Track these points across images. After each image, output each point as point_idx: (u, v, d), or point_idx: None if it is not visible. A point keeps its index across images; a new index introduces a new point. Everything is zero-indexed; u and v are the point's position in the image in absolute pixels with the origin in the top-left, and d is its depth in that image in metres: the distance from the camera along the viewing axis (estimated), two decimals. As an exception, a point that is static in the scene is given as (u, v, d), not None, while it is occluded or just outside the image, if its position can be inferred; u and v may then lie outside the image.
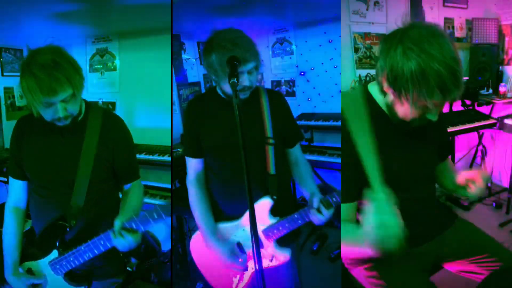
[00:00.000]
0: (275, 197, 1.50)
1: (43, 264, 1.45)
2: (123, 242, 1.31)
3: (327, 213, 1.40)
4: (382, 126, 1.32)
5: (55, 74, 1.22)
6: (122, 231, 1.30)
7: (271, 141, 1.51)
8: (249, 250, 1.52)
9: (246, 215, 1.45)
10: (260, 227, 1.48)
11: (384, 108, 1.33)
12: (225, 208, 1.61)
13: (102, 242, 1.36)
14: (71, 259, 1.41)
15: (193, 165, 1.63)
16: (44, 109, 1.30)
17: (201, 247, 1.62)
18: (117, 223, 1.31)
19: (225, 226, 1.58)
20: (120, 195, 1.64)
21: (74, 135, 1.44)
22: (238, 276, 1.57)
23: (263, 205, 1.50)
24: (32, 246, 1.50)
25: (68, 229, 1.44)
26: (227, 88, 1.46)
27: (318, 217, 1.40)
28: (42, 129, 1.43)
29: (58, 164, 1.44)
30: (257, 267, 1.20)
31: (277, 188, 1.52)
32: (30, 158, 1.46)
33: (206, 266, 1.66)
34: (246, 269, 1.53)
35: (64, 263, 1.42)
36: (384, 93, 1.26)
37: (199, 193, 1.61)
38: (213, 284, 1.65)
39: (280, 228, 1.48)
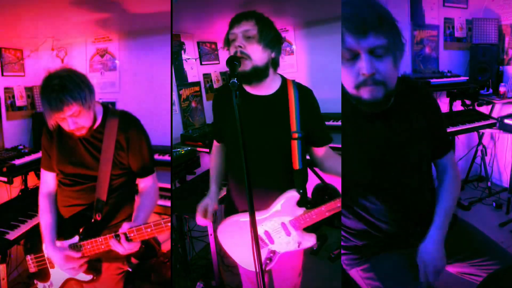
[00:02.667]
0: (301, 191, 1.52)
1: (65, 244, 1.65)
2: (121, 248, 1.52)
3: None
4: (353, 116, 1.37)
5: (61, 96, 1.46)
6: (122, 239, 1.50)
7: (298, 135, 1.51)
8: (276, 238, 1.57)
9: (274, 207, 1.54)
10: (287, 218, 1.53)
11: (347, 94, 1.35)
12: (239, 198, 1.64)
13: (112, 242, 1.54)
14: (89, 247, 1.59)
15: (215, 145, 1.81)
16: (60, 122, 1.55)
17: (228, 232, 1.66)
18: (123, 229, 1.51)
19: (246, 219, 1.56)
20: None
21: (93, 141, 1.66)
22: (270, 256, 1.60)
23: (290, 198, 1.53)
24: (61, 227, 1.71)
25: (93, 220, 1.64)
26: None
27: None
28: (65, 136, 1.67)
29: (80, 163, 1.66)
30: (257, 267, 1.20)
31: (303, 182, 1.55)
32: (57, 157, 1.69)
33: (234, 248, 1.68)
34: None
35: (83, 249, 1.60)
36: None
37: (216, 158, 1.80)
38: (242, 263, 1.67)
39: (308, 220, 1.51)
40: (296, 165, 1.52)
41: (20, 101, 3.15)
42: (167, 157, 2.81)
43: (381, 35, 1.13)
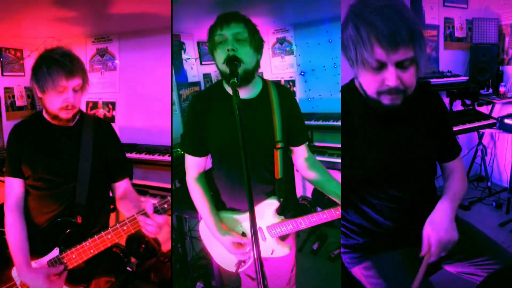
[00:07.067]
0: (281, 199, 1.54)
1: (43, 262, 1.46)
2: (151, 224, 1.33)
3: None
4: (365, 116, 1.36)
5: (74, 61, 1.47)
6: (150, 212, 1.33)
7: (280, 144, 1.51)
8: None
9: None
10: (265, 224, 1.55)
11: (364, 95, 1.35)
12: (230, 201, 1.62)
13: (109, 237, 1.41)
14: (74, 256, 1.43)
15: (196, 163, 1.61)
16: (57, 96, 1.46)
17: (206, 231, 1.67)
18: (149, 205, 1.32)
19: (231, 216, 1.60)
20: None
21: (71, 136, 1.58)
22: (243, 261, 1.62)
23: (270, 205, 1.55)
24: (35, 241, 1.50)
25: (73, 225, 1.49)
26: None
27: None
28: (41, 130, 1.57)
29: (58, 159, 1.55)
30: (256, 262, 1.20)
31: (284, 191, 1.55)
32: (30, 154, 1.55)
33: (213, 247, 1.70)
34: (247, 256, 1.58)
35: (65, 261, 1.44)
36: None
37: (202, 190, 1.61)
38: (219, 262, 1.71)
39: (284, 229, 1.53)
40: (278, 174, 1.53)
41: (20, 101, 3.16)
42: (167, 157, 2.81)
43: (410, 49, 1.13)
